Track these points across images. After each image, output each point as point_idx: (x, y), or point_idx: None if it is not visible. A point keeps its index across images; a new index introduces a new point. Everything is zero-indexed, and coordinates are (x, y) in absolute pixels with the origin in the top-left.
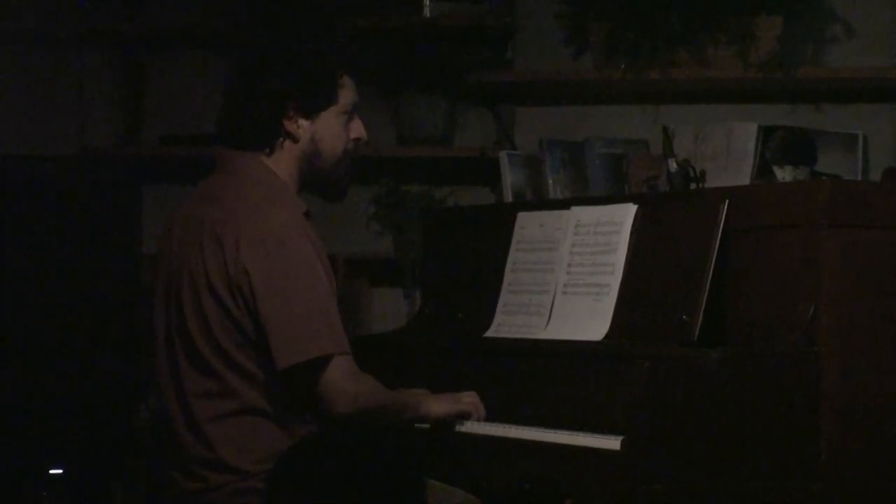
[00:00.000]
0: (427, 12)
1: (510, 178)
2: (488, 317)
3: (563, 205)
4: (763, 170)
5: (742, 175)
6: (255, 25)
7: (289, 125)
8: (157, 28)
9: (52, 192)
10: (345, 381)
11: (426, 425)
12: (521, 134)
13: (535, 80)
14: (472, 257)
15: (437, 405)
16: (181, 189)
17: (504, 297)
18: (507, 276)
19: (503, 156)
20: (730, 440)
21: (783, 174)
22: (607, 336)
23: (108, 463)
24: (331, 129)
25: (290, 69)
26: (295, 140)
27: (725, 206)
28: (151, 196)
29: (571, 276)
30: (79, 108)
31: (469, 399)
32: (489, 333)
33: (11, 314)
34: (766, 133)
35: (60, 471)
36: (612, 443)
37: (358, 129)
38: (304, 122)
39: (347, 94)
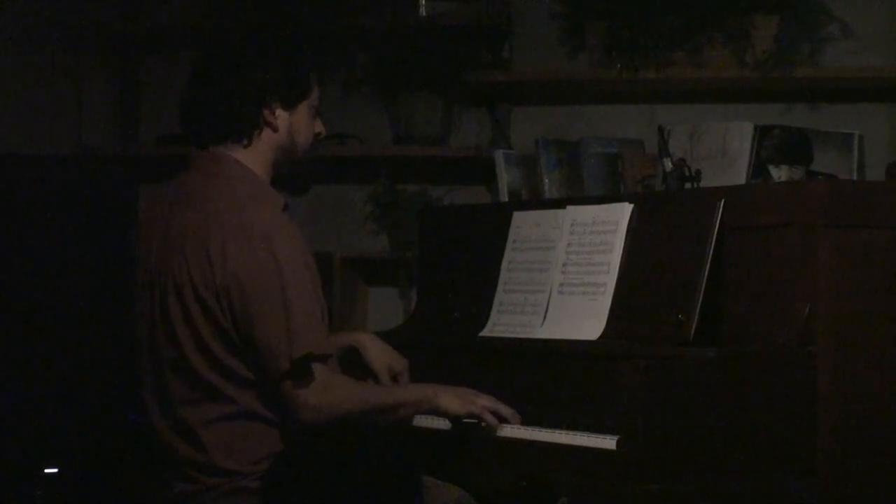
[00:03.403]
0: (423, 12)
1: (506, 178)
2: (484, 316)
3: (559, 204)
4: (759, 169)
5: (738, 175)
6: (257, 25)
7: (268, 115)
8: (153, 28)
9: (49, 191)
10: (308, 394)
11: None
12: (517, 133)
13: (532, 79)
14: (467, 256)
15: (450, 401)
16: None
17: (500, 297)
18: (503, 276)
19: (499, 155)
20: (726, 439)
21: (779, 174)
22: (603, 335)
23: (104, 462)
24: (304, 122)
25: (274, 59)
26: (274, 130)
27: (721, 206)
28: (148, 195)
29: (567, 275)
30: (76, 107)
31: (485, 402)
32: (485, 333)
33: (6, 312)
34: (762, 132)
35: (55, 470)
36: (608, 442)
37: (319, 125)
38: (282, 113)
39: (315, 90)
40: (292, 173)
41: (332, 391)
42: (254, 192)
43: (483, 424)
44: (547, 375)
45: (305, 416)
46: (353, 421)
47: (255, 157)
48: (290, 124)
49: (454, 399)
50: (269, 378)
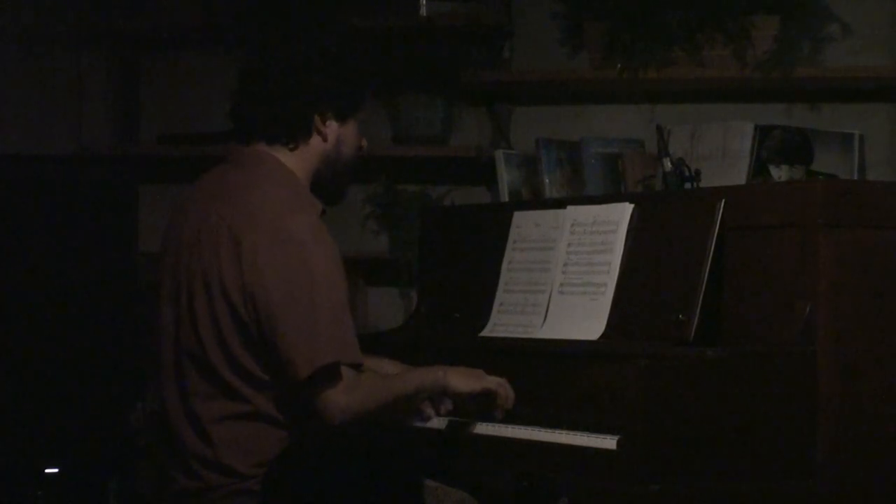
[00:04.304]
0: (424, 12)
1: (506, 178)
2: (484, 316)
3: (559, 204)
4: (759, 169)
5: (738, 174)
6: (258, 25)
7: (319, 124)
8: (154, 27)
9: (50, 191)
10: (337, 395)
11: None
12: (518, 133)
13: (532, 79)
14: (468, 257)
15: (459, 379)
16: (178, 188)
17: (500, 297)
18: (504, 276)
19: (499, 155)
20: (726, 439)
21: (779, 173)
22: (603, 335)
23: (105, 462)
24: (352, 135)
25: (336, 70)
26: (324, 139)
27: (722, 206)
28: (148, 195)
29: (567, 275)
30: (76, 107)
31: (495, 378)
32: (485, 333)
33: (7, 312)
34: (762, 132)
35: (56, 470)
36: (609, 442)
37: (363, 139)
38: (333, 124)
39: (366, 105)
40: (343, 184)
41: (359, 391)
42: (293, 196)
43: (493, 412)
44: (547, 375)
45: (334, 418)
46: (382, 415)
47: (298, 161)
48: (340, 136)
49: (462, 378)
50: (288, 383)
